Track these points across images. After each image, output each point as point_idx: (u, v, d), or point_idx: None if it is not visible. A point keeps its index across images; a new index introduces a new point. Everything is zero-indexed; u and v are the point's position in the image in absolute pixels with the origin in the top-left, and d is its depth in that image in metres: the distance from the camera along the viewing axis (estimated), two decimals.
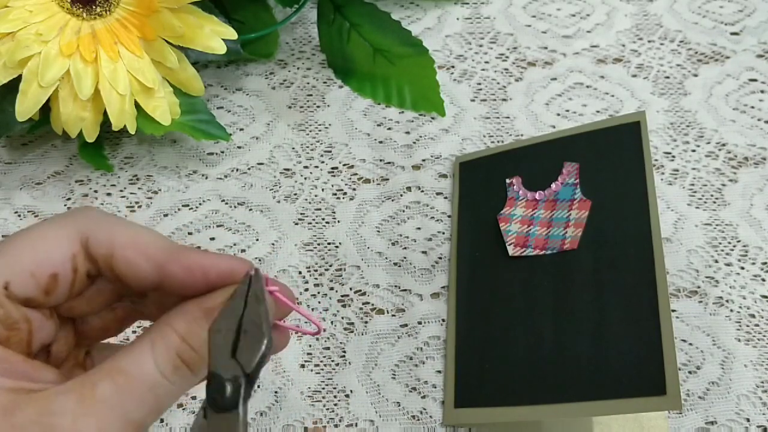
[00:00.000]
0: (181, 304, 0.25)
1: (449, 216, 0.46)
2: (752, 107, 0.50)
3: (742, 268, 0.43)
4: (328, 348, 0.42)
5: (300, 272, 0.44)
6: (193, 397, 0.40)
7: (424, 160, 0.49)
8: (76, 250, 0.24)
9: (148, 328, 0.24)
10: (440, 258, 0.44)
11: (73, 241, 0.24)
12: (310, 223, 0.46)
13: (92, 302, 0.26)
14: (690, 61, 0.52)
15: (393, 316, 0.43)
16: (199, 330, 0.24)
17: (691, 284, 0.42)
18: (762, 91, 0.51)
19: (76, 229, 0.24)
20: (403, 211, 0.47)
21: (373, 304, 0.43)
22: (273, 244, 0.45)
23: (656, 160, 0.47)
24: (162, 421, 0.39)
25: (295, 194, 0.47)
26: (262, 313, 0.23)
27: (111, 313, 0.27)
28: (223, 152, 0.49)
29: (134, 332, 0.41)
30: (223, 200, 0.47)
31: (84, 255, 0.24)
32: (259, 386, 0.40)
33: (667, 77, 0.52)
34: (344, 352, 0.41)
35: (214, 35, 0.43)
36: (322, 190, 0.47)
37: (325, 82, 0.53)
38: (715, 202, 0.46)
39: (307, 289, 0.43)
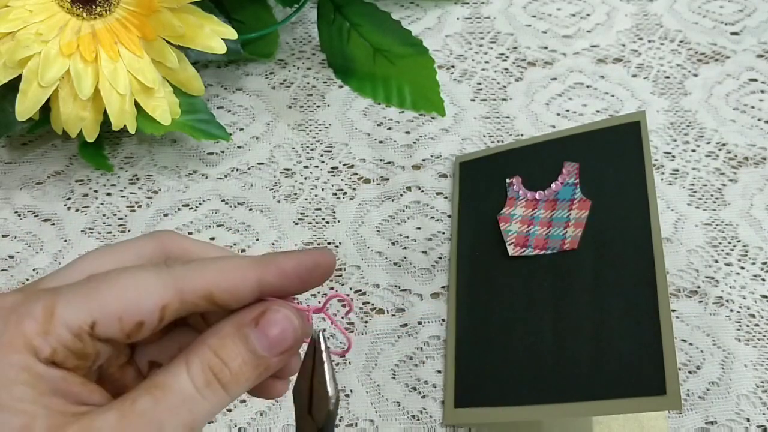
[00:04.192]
0: (216, 324, 0.25)
1: (449, 216, 0.46)
2: (752, 107, 0.50)
3: (742, 268, 0.43)
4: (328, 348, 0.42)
5: None
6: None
7: (424, 160, 0.49)
8: (166, 302, 0.24)
9: (186, 349, 0.25)
10: (440, 258, 0.44)
11: (165, 292, 0.24)
12: (310, 223, 0.46)
13: (155, 334, 0.27)
14: (690, 61, 0.52)
15: (393, 315, 0.43)
16: (231, 344, 0.24)
17: (691, 284, 0.42)
18: (762, 91, 0.51)
19: (171, 280, 0.24)
20: (403, 210, 0.47)
21: (373, 304, 0.43)
22: (273, 244, 0.45)
23: (656, 160, 0.47)
24: None
25: (295, 194, 0.47)
26: (327, 372, 0.26)
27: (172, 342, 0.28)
28: (223, 152, 0.49)
29: None
30: (223, 200, 0.47)
31: (177, 306, 0.24)
32: None
33: (667, 77, 0.52)
34: None
35: (214, 35, 0.43)
36: (322, 189, 0.47)
37: (325, 82, 0.53)
38: (715, 202, 0.46)
39: None
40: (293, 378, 0.28)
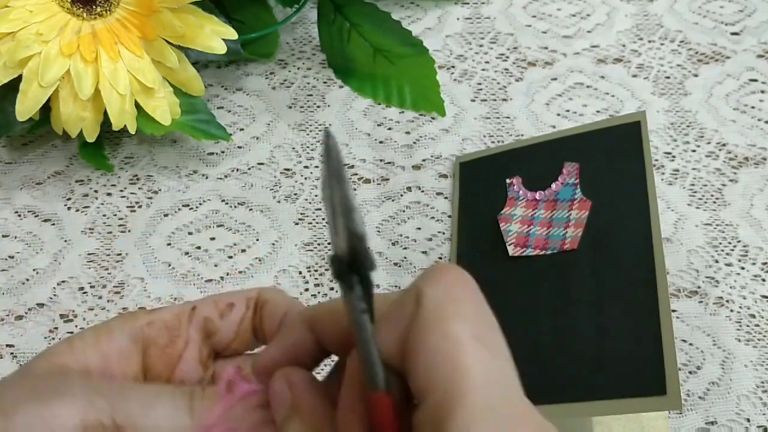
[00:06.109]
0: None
1: (449, 216, 0.46)
2: (752, 107, 0.50)
3: (743, 268, 0.43)
4: None
5: (300, 272, 0.44)
6: None
7: (424, 160, 0.49)
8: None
9: None
10: (440, 258, 0.44)
11: (249, 299, 0.27)
12: (311, 223, 0.46)
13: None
14: (690, 61, 0.52)
15: None
16: None
17: (692, 284, 0.42)
18: (762, 91, 0.51)
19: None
20: (404, 211, 0.47)
21: None
22: (273, 244, 0.45)
23: (656, 160, 0.47)
24: None
25: (296, 194, 0.47)
26: (346, 191, 0.21)
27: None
28: (223, 152, 0.49)
29: None
30: (223, 200, 0.47)
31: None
32: None
33: (668, 77, 0.52)
34: None
35: (215, 35, 0.43)
36: None
37: (325, 82, 0.53)
38: (715, 202, 0.46)
39: (307, 289, 0.43)
40: None
